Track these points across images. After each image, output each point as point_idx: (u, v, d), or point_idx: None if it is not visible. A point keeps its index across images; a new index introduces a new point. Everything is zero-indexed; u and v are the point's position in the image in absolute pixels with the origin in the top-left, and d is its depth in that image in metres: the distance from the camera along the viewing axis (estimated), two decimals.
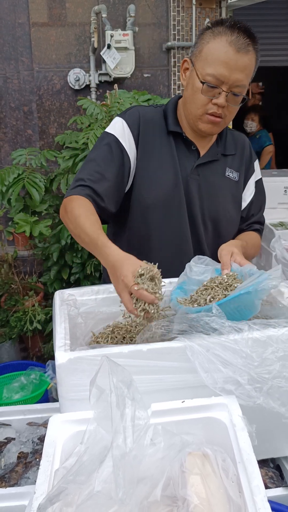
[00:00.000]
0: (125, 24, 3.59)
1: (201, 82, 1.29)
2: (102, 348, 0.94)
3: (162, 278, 1.04)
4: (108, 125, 1.46)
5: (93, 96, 3.65)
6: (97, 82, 3.64)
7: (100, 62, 3.61)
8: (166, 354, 0.92)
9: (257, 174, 1.58)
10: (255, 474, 0.73)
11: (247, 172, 1.55)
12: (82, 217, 1.25)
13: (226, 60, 1.26)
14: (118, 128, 1.41)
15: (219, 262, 1.24)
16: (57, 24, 3.60)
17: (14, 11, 3.54)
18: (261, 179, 1.60)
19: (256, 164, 1.58)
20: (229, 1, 3.59)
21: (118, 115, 1.46)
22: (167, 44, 3.70)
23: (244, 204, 1.56)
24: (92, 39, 3.49)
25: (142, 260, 1.07)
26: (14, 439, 1.23)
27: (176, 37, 3.70)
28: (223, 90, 1.29)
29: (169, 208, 1.43)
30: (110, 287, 1.25)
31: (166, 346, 0.93)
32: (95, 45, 3.49)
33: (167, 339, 1.10)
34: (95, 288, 1.27)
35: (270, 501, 0.73)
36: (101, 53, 3.47)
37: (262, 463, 1.06)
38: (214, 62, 1.27)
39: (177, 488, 0.74)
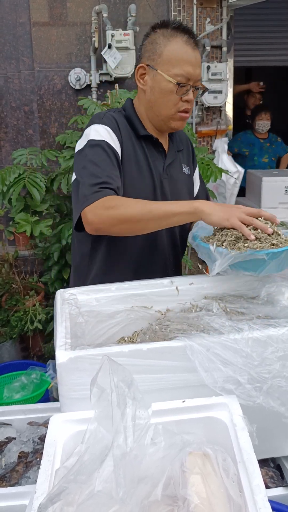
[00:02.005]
0: (126, 24, 3.59)
1: (177, 83, 1.34)
2: (103, 347, 0.94)
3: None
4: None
5: (94, 96, 3.65)
6: (98, 82, 3.65)
7: (101, 61, 3.61)
8: (166, 353, 0.92)
9: (197, 167, 1.69)
10: (256, 474, 0.73)
11: (193, 165, 1.65)
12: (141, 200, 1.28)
13: (188, 58, 1.34)
14: (104, 133, 1.38)
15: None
16: (58, 24, 3.60)
17: (15, 11, 3.54)
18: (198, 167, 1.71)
19: (195, 156, 1.69)
20: (230, 1, 3.59)
21: (93, 124, 1.41)
22: None
23: (195, 193, 1.66)
24: (93, 38, 3.49)
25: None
26: (14, 438, 1.23)
27: None
28: (191, 86, 1.37)
29: None
30: (111, 286, 1.26)
31: (166, 346, 0.93)
32: (96, 45, 3.49)
33: (168, 338, 1.11)
34: (96, 287, 1.27)
35: (270, 501, 0.73)
36: (102, 53, 3.46)
37: (263, 462, 1.06)
38: (179, 62, 1.34)
39: (178, 488, 0.74)
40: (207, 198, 1.71)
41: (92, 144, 1.36)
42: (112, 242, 1.44)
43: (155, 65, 1.37)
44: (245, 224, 1.15)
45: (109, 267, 1.46)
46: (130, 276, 1.35)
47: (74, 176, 1.44)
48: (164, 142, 1.52)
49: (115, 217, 1.23)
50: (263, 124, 4.55)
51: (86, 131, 1.41)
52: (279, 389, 0.90)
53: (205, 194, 1.71)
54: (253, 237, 1.12)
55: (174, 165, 1.54)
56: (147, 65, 1.39)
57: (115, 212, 1.23)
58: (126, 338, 1.23)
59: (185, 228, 1.57)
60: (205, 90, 1.43)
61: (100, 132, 1.38)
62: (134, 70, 1.48)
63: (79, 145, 1.42)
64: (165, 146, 1.52)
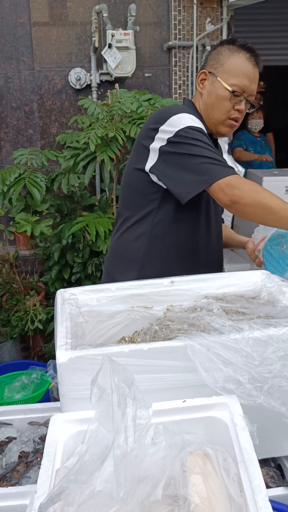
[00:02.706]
0: (126, 23, 3.59)
1: (231, 91, 1.48)
2: (103, 347, 0.94)
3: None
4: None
5: (94, 95, 3.65)
6: (98, 81, 3.65)
7: (101, 61, 3.61)
8: (167, 353, 0.92)
9: None
10: (256, 474, 0.73)
11: None
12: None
13: (247, 73, 1.49)
14: (198, 123, 1.46)
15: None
16: (58, 24, 3.60)
17: (15, 11, 3.54)
18: None
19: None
20: (230, 1, 3.59)
21: (182, 112, 1.47)
22: (168, 43, 3.70)
23: None
24: (93, 38, 3.49)
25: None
26: (15, 438, 1.23)
27: (177, 36, 3.70)
28: (245, 97, 1.51)
29: (198, 211, 1.55)
30: (112, 286, 1.26)
31: (167, 345, 0.93)
32: (96, 45, 3.49)
33: (168, 338, 1.11)
34: (97, 287, 1.27)
35: (271, 501, 0.73)
36: (102, 53, 3.47)
37: (263, 462, 1.06)
38: (238, 75, 1.49)
39: (178, 488, 0.74)
40: None
41: (195, 129, 1.42)
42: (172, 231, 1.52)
43: (216, 73, 1.52)
44: None
45: (160, 257, 1.54)
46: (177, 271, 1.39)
47: (138, 164, 1.49)
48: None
49: (257, 198, 1.32)
50: (255, 123, 4.58)
51: (176, 117, 1.43)
52: (279, 389, 0.90)
53: None
54: None
55: None
56: (209, 72, 1.54)
57: (258, 195, 1.32)
58: (126, 338, 1.23)
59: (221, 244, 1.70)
60: (255, 106, 1.55)
61: (194, 121, 1.45)
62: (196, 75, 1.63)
63: (168, 129, 1.43)
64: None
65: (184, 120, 1.44)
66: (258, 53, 1.52)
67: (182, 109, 1.49)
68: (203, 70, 1.56)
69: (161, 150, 1.43)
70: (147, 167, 1.47)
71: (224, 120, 1.54)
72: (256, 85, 1.52)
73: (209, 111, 1.55)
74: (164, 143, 1.43)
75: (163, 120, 1.46)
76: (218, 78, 1.51)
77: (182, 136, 1.40)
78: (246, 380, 0.88)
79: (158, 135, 1.44)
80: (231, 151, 4.41)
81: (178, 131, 1.41)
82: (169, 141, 1.42)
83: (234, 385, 0.88)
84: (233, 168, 1.38)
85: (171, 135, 1.42)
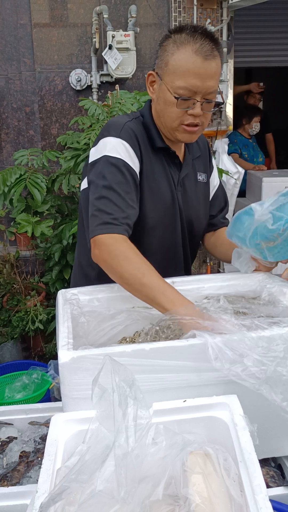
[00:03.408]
0: (126, 24, 3.60)
1: (175, 97, 1.26)
2: (105, 347, 0.95)
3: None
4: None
5: (95, 96, 3.66)
6: (99, 82, 3.65)
7: (101, 62, 3.61)
8: (169, 353, 0.92)
9: (214, 168, 1.64)
10: (257, 473, 0.74)
11: (210, 170, 1.60)
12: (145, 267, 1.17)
13: (195, 70, 1.24)
14: (122, 150, 1.31)
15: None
16: (59, 25, 3.60)
17: (16, 12, 3.55)
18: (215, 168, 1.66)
19: (212, 160, 1.63)
20: (230, 2, 3.60)
21: (110, 135, 1.33)
22: None
23: (210, 197, 1.61)
24: (94, 39, 3.50)
25: None
26: (16, 438, 1.24)
27: None
28: (197, 101, 1.27)
29: (168, 225, 1.43)
30: (113, 286, 1.26)
31: (169, 345, 0.94)
32: (97, 46, 3.50)
33: (169, 338, 1.11)
34: (98, 287, 1.27)
35: (271, 500, 0.73)
36: (103, 54, 3.47)
37: (263, 462, 1.06)
38: (184, 74, 1.24)
39: (179, 487, 0.74)
40: (225, 201, 1.67)
41: (110, 162, 1.29)
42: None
43: (161, 74, 1.30)
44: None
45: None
46: None
47: (84, 185, 1.39)
48: (180, 152, 1.47)
49: (112, 266, 1.19)
50: (257, 126, 4.58)
51: (102, 142, 1.33)
52: (281, 378, 0.90)
53: (223, 197, 1.66)
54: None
55: (189, 176, 1.50)
56: (156, 73, 1.33)
57: (113, 261, 1.18)
58: (127, 339, 1.23)
59: (195, 249, 1.59)
60: (221, 103, 1.35)
61: (117, 148, 1.31)
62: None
63: (94, 155, 1.35)
64: (181, 157, 1.47)
65: (105, 148, 1.31)
66: (213, 38, 1.26)
67: (117, 128, 1.34)
68: (151, 71, 1.35)
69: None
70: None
71: (177, 127, 1.32)
72: (214, 80, 1.27)
73: (162, 118, 1.35)
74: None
75: (96, 141, 1.37)
76: (162, 81, 1.29)
77: (94, 171, 1.31)
78: (251, 363, 0.89)
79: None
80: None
81: (95, 161, 1.32)
82: (89, 167, 1.35)
83: (240, 368, 0.89)
84: (117, 227, 1.22)
85: (90, 161, 1.35)
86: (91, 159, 1.36)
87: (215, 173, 1.63)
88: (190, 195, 1.49)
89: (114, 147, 1.31)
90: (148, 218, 1.37)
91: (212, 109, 1.33)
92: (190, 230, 1.52)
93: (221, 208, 1.64)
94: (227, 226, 1.61)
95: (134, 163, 1.32)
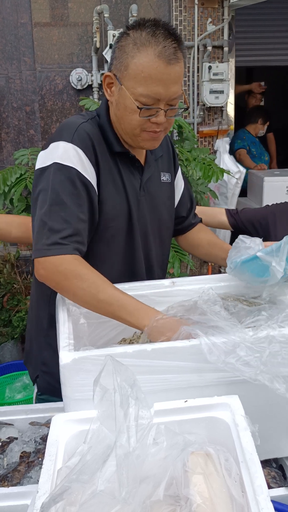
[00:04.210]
0: (127, 24, 3.59)
1: (138, 107, 1.16)
2: (107, 348, 0.94)
3: None
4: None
5: (95, 96, 3.65)
6: (99, 82, 3.65)
7: (102, 62, 3.61)
8: (170, 354, 0.92)
9: (178, 167, 1.55)
10: (258, 474, 0.73)
11: (174, 168, 1.52)
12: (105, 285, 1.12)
13: (159, 76, 1.13)
14: (74, 157, 1.19)
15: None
16: (60, 24, 3.60)
17: (17, 11, 3.55)
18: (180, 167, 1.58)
19: (176, 157, 1.54)
20: (231, 1, 3.59)
21: (61, 139, 1.21)
22: None
23: (177, 199, 1.53)
24: (94, 39, 3.49)
25: None
26: (16, 438, 1.23)
27: None
28: (161, 109, 1.18)
29: (128, 233, 1.34)
30: None
31: (170, 346, 0.94)
32: (97, 45, 3.50)
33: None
34: None
35: (272, 501, 0.73)
36: (104, 53, 3.47)
37: (265, 463, 1.06)
38: (146, 81, 1.14)
39: (180, 488, 0.74)
40: (191, 200, 1.59)
41: (60, 170, 1.18)
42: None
43: (120, 78, 1.18)
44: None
45: None
46: None
47: (34, 193, 1.24)
48: (141, 155, 1.37)
49: (63, 286, 1.13)
50: (265, 129, 4.58)
51: (53, 146, 1.21)
52: (278, 356, 0.90)
53: (189, 197, 1.58)
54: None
55: (152, 178, 1.41)
56: (114, 75, 1.21)
57: (66, 282, 1.12)
58: (127, 340, 1.23)
59: (165, 254, 1.51)
60: (186, 108, 1.26)
61: (69, 155, 1.19)
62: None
63: (43, 160, 1.22)
64: (142, 159, 1.38)
65: (56, 153, 1.19)
66: (176, 37, 1.14)
67: (70, 131, 1.22)
68: (108, 73, 1.23)
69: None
70: None
71: (139, 134, 1.23)
72: (177, 84, 1.17)
73: (122, 124, 1.24)
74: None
75: (47, 143, 1.25)
76: (123, 86, 1.18)
77: (42, 179, 1.20)
78: (244, 352, 0.89)
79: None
80: (233, 152, 4.41)
81: (44, 168, 1.20)
82: (38, 173, 1.22)
83: (234, 358, 0.89)
84: (65, 247, 1.13)
85: (39, 166, 1.23)
86: (39, 165, 1.23)
87: (179, 173, 1.55)
88: (155, 198, 1.41)
89: (65, 153, 1.19)
90: (108, 227, 1.28)
91: (176, 114, 1.25)
92: (159, 234, 1.44)
93: (189, 208, 1.58)
94: (198, 223, 1.61)
95: (87, 172, 1.21)
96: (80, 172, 1.19)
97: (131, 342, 1.21)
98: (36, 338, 1.42)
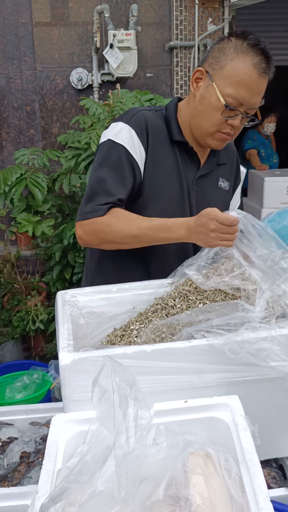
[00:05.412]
0: (127, 23, 3.59)
1: (224, 105, 1.25)
2: (106, 349, 0.94)
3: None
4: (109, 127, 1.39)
5: (96, 95, 3.65)
6: (100, 81, 3.65)
7: (102, 61, 3.61)
8: (170, 355, 0.92)
9: (240, 183, 1.59)
10: (258, 474, 0.73)
11: (235, 182, 1.56)
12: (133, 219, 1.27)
13: (249, 83, 1.24)
14: (126, 136, 1.33)
15: None
16: (60, 24, 3.60)
17: (17, 11, 3.55)
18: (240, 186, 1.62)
19: (239, 172, 1.59)
20: (232, 1, 3.59)
21: (121, 120, 1.36)
22: (170, 43, 3.70)
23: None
24: (95, 38, 3.49)
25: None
26: (16, 438, 1.23)
27: (179, 36, 3.70)
28: (240, 112, 1.27)
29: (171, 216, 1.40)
30: (112, 287, 1.26)
31: (170, 347, 0.93)
32: (98, 45, 3.50)
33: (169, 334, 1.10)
34: (98, 288, 1.27)
35: (272, 501, 0.73)
36: (104, 53, 3.47)
37: (265, 463, 1.06)
38: (238, 84, 1.24)
39: (180, 488, 0.74)
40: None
41: (111, 146, 1.33)
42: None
43: (213, 75, 1.27)
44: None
45: (123, 269, 1.44)
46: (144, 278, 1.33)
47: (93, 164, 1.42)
48: (202, 152, 1.44)
49: (100, 237, 1.29)
50: (271, 126, 4.56)
51: (112, 126, 1.37)
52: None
53: None
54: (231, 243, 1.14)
55: (209, 178, 1.46)
56: (206, 72, 1.29)
57: (102, 236, 1.28)
58: (117, 330, 1.21)
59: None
60: (255, 121, 1.34)
61: (122, 134, 1.33)
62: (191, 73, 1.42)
63: (104, 136, 1.38)
64: (202, 156, 1.45)
65: (113, 131, 1.35)
66: (271, 57, 1.28)
67: (129, 115, 1.37)
68: (200, 68, 1.32)
69: None
70: None
71: (214, 133, 1.32)
72: (260, 97, 1.28)
73: (198, 118, 1.33)
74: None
75: (108, 124, 1.41)
76: (213, 83, 1.27)
77: (98, 154, 1.37)
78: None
79: None
80: (243, 152, 4.41)
81: (101, 144, 1.37)
82: (97, 148, 1.40)
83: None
84: (100, 209, 1.28)
85: (100, 142, 1.39)
86: (100, 140, 1.41)
87: (238, 191, 1.58)
88: (207, 198, 1.44)
89: (119, 132, 1.34)
90: (150, 210, 1.36)
91: (247, 124, 1.34)
92: None
93: None
94: None
95: (136, 152, 1.33)
96: (128, 150, 1.32)
97: (124, 330, 1.20)
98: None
